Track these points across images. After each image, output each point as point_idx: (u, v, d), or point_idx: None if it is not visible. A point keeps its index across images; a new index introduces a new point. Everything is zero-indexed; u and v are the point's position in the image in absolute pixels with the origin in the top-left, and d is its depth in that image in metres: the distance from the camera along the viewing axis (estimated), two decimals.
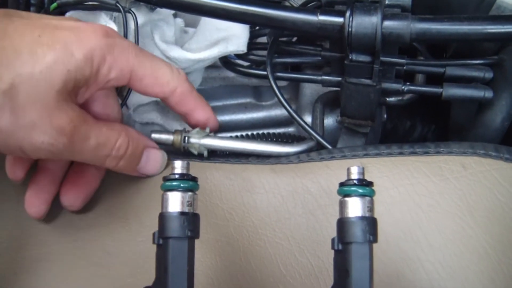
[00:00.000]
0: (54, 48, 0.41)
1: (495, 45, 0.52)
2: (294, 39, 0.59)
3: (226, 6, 0.49)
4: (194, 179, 0.39)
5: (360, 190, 0.38)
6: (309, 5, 0.56)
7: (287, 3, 0.58)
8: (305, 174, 0.48)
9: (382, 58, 0.48)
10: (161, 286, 0.38)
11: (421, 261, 0.44)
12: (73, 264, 0.49)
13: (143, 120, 0.59)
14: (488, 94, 0.50)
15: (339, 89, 0.53)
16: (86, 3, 0.53)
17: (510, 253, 0.43)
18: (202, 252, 0.46)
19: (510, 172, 0.45)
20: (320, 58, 0.54)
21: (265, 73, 0.54)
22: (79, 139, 0.43)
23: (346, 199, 0.38)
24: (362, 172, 0.38)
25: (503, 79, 0.50)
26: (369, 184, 0.38)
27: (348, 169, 0.39)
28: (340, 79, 0.52)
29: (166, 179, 0.39)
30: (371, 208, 0.38)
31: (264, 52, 0.56)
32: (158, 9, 0.54)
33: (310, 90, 0.59)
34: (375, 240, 0.37)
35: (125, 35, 0.52)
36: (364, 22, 0.46)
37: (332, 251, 0.39)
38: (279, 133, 0.59)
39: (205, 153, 0.51)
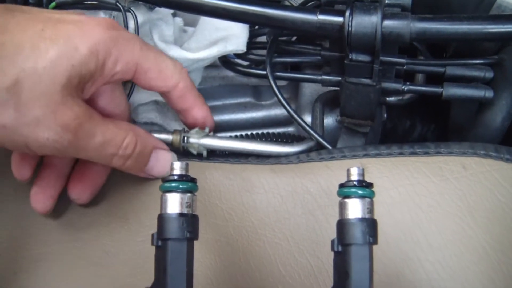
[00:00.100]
0: (58, 43, 0.40)
1: (495, 44, 0.52)
2: (294, 38, 0.59)
3: (225, 6, 0.49)
4: (193, 180, 0.39)
5: (360, 192, 0.37)
6: (309, 4, 0.55)
7: (286, 3, 0.57)
8: (304, 174, 0.48)
9: (382, 58, 0.48)
10: None
11: (421, 262, 0.44)
12: (73, 264, 0.49)
13: (142, 119, 0.59)
14: (489, 93, 0.50)
15: (338, 88, 0.52)
16: (85, 2, 0.52)
17: (510, 254, 0.43)
18: (201, 252, 0.46)
19: (510, 173, 0.45)
20: (319, 57, 0.54)
21: (264, 72, 0.54)
22: (84, 136, 0.42)
23: (346, 200, 0.38)
24: (362, 173, 0.38)
25: (503, 79, 0.50)
26: (369, 185, 0.38)
27: (348, 170, 0.39)
28: (340, 78, 0.51)
29: (165, 180, 0.39)
30: (371, 210, 0.38)
31: (264, 52, 0.56)
32: (157, 8, 0.53)
33: (309, 90, 0.59)
34: (375, 241, 0.37)
35: None
36: (364, 22, 0.46)
37: (332, 252, 0.38)
38: (278, 133, 0.58)
39: (205, 153, 0.51)
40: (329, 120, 0.57)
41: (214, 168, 0.50)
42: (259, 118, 0.61)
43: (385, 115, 0.59)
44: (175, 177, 0.39)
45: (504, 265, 0.43)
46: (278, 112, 0.61)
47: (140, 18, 0.52)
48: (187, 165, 0.40)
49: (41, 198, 0.49)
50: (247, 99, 0.62)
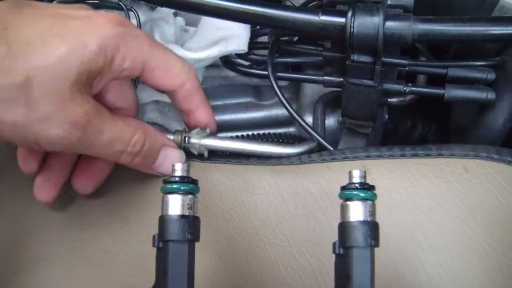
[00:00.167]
0: (67, 39, 0.40)
1: (497, 46, 0.52)
2: (295, 38, 0.59)
3: (227, 6, 0.48)
4: (194, 182, 0.39)
5: (362, 194, 0.37)
6: (310, 4, 0.55)
7: (288, 3, 0.57)
8: (306, 175, 0.48)
9: (384, 59, 0.48)
10: None
11: (421, 263, 0.44)
12: (73, 264, 0.49)
13: (143, 119, 0.58)
14: (491, 95, 0.50)
15: (340, 89, 0.52)
16: (87, 1, 0.52)
17: (511, 255, 0.43)
18: (202, 253, 0.46)
19: None
20: (321, 58, 0.53)
21: (266, 73, 0.54)
22: (93, 132, 0.42)
23: (348, 203, 0.38)
24: (363, 175, 0.38)
25: (506, 81, 0.50)
26: (371, 188, 0.38)
27: (350, 173, 0.38)
28: (341, 79, 0.51)
29: (166, 181, 0.39)
30: (372, 212, 0.37)
31: (265, 52, 0.55)
32: (159, 8, 0.53)
33: (311, 90, 0.59)
34: (376, 244, 0.37)
35: None
36: (366, 23, 0.46)
37: (333, 254, 0.38)
38: (280, 134, 0.58)
39: (206, 154, 0.51)
40: (331, 121, 0.57)
41: (215, 169, 0.50)
42: (260, 118, 0.61)
43: (386, 116, 0.58)
44: (177, 179, 0.38)
45: (504, 266, 0.43)
46: (279, 112, 0.61)
47: (141, 18, 0.52)
48: (188, 166, 0.39)
49: (45, 188, 0.48)
50: (248, 99, 0.62)
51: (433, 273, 0.44)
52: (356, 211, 0.37)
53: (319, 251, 0.46)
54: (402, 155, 0.47)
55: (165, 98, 0.56)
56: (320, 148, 0.52)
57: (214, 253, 0.47)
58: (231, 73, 0.61)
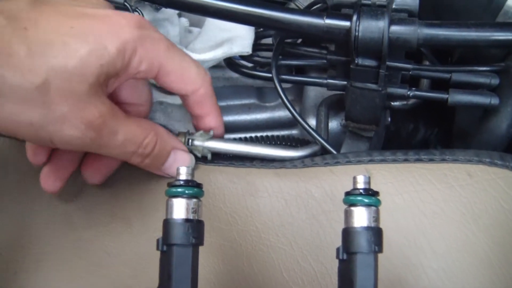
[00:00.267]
0: (87, 41, 0.40)
1: (501, 51, 0.52)
2: (299, 40, 0.59)
3: (231, 8, 0.48)
4: (199, 186, 0.39)
5: (366, 200, 0.37)
6: (315, 7, 0.55)
7: (292, 5, 0.57)
8: (309, 179, 0.48)
9: (388, 63, 0.48)
10: None
11: (424, 268, 0.44)
12: (74, 264, 0.49)
13: None
14: (494, 101, 0.50)
15: (343, 92, 0.52)
16: None
17: None
18: (205, 256, 0.46)
19: None
20: (325, 61, 0.53)
21: (270, 75, 0.54)
22: (107, 133, 0.42)
23: (352, 208, 0.38)
24: (368, 181, 0.38)
25: (510, 86, 0.50)
26: (375, 193, 0.38)
27: (354, 178, 0.38)
28: (345, 83, 0.51)
29: (170, 185, 0.39)
30: (376, 218, 0.37)
31: (268, 53, 0.55)
32: (163, 8, 0.53)
33: (314, 93, 0.58)
34: (380, 250, 0.37)
35: None
36: (371, 27, 0.46)
37: (335, 258, 0.38)
38: (283, 136, 0.58)
39: (209, 156, 0.51)
40: (334, 124, 0.57)
41: (219, 172, 0.50)
42: (263, 120, 0.61)
43: (389, 119, 0.58)
44: (181, 182, 0.38)
45: (507, 272, 0.43)
46: (282, 114, 0.61)
47: (146, 18, 0.52)
48: (193, 170, 0.39)
49: (52, 179, 0.48)
50: (251, 101, 0.62)
51: (436, 278, 0.44)
52: (360, 217, 0.37)
53: (322, 255, 0.46)
54: (405, 160, 0.47)
55: (168, 99, 0.56)
56: (323, 152, 0.52)
57: (217, 256, 0.47)
58: (235, 74, 0.61)
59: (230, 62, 0.57)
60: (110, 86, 0.43)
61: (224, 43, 0.54)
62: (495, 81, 0.51)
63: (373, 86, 0.49)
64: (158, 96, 0.56)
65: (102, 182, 0.50)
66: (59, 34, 0.39)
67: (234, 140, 0.52)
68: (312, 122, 0.58)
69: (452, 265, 0.44)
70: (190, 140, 0.50)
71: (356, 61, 0.48)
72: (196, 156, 0.51)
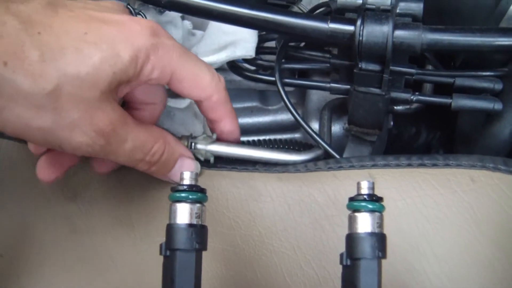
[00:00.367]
0: (101, 48, 0.40)
1: (505, 56, 0.52)
2: (302, 44, 0.59)
3: (235, 11, 0.48)
4: (202, 191, 0.39)
5: (370, 206, 0.37)
6: (318, 11, 0.55)
7: (296, 8, 0.57)
8: (312, 183, 0.48)
9: (392, 68, 0.48)
10: None
11: (427, 273, 0.44)
12: (77, 268, 0.49)
13: None
14: (498, 106, 0.50)
15: (346, 96, 0.52)
16: None
17: None
18: (208, 261, 0.46)
19: None
20: (328, 65, 0.53)
21: (273, 79, 0.54)
22: (116, 141, 0.42)
23: (356, 214, 0.38)
24: (372, 187, 0.38)
25: None
26: (379, 199, 0.38)
27: (358, 184, 0.38)
28: (348, 87, 0.51)
29: (174, 190, 0.39)
30: (380, 224, 0.37)
31: (271, 57, 0.55)
32: (166, 11, 0.53)
33: (317, 96, 0.59)
34: (384, 256, 0.37)
35: None
36: (375, 31, 0.46)
37: (338, 263, 0.38)
38: (286, 140, 0.58)
39: (212, 159, 0.51)
40: (336, 128, 0.57)
41: (222, 176, 0.50)
42: (266, 123, 0.61)
43: (392, 123, 0.58)
44: (185, 187, 0.38)
45: (510, 277, 0.43)
46: (284, 117, 0.61)
47: None
48: (196, 175, 0.39)
49: (47, 169, 0.48)
50: (254, 104, 0.62)
51: (439, 283, 0.43)
52: (364, 223, 0.37)
53: (325, 260, 0.45)
54: (409, 165, 0.47)
55: (171, 103, 0.56)
56: (326, 156, 0.51)
57: (220, 261, 0.46)
58: (237, 77, 0.61)
59: (233, 65, 0.57)
60: (120, 92, 0.43)
61: (228, 46, 0.54)
62: (498, 86, 0.51)
63: (377, 90, 0.49)
64: None
65: (108, 173, 0.50)
66: (72, 40, 0.39)
67: (237, 143, 0.52)
68: (315, 125, 0.58)
69: (455, 270, 0.44)
70: (193, 144, 0.50)
71: (359, 65, 0.48)
72: (198, 160, 0.51)
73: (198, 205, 0.38)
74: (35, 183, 0.50)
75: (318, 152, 0.51)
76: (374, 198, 0.38)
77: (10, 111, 0.38)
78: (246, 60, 0.56)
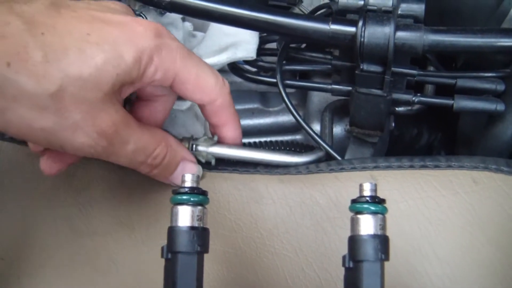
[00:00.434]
0: (104, 49, 0.39)
1: (507, 57, 0.52)
2: (303, 45, 0.59)
3: (236, 13, 0.48)
4: (204, 193, 0.39)
5: (373, 208, 0.37)
6: (319, 12, 0.55)
7: (297, 10, 0.57)
8: (313, 185, 0.48)
9: (393, 69, 0.47)
10: None
11: (429, 275, 0.44)
12: (77, 270, 0.48)
13: None
14: (500, 107, 0.49)
15: (348, 97, 0.52)
16: None
17: None
18: (209, 263, 0.45)
19: None
20: (330, 66, 0.53)
21: (274, 80, 0.53)
22: (118, 142, 0.42)
23: (358, 216, 0.37)
24: (374, 189, 0.38)
25: None
26: (382, 201, 0.38)
27: (361, 186, 0.38)
28: (350, 88, 0.51)
29: (176, 192, 0.38)
30: (383, 226, 0.37)
31: (272, 58, 0.55)
32: (167, 13, 0.53)
33: (318, 98, 0.58)
34: (386, 258, 0.37)
35: None
36: (376, 33, 0.46)
37: (340, 265, 0.38)
38: (287, 142, 0.58)
39: (213, 162, 0.50)
40: (338, 129, 0.57)
41: (223, 178, 0.49)
42: (267, 125, 0.61)
43: (393, 124, 0.58)
44: (186, 190, 0.38)
45: None
46: (285, 119, 0.61)
47: None
48: (198, 177, 0.39)
49: (50, 162, 0.47)
50: (255, 105, 0.62)
51: (440, 285, 0.43)
52: (367, 225, 0.37)
53: (327, 262, 0.45)
54: (411, 166, 0.47)
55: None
56: (327, 157, 0.51)
57: (221, 264, 0.46)
58: (238, 79, 0.61)
59: (234, 67, 0.57)
60: (123, 93, 0.43)
61: (228, 48, 0.54)
62: (500, 87, 0.51)
63: (378, 91, 0.49)
64: None
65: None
66: (75, 41, 0.39)
67: (238, 145, 0.52)
68: (316, 127, 0.57)
69: (457, 272, 0.43)
70: (194, 146, 0.50)
71: (361, 67, 0.48)
72: (200, 162, 0.51)
73: (199, 207, 0.38)
74: (36, 185, 0.50)
75: (320, 153, 0.51)
76: (377, 200, 0.37)
77: (13, 111, 0.38)
78: (247, 62, 0.56)
